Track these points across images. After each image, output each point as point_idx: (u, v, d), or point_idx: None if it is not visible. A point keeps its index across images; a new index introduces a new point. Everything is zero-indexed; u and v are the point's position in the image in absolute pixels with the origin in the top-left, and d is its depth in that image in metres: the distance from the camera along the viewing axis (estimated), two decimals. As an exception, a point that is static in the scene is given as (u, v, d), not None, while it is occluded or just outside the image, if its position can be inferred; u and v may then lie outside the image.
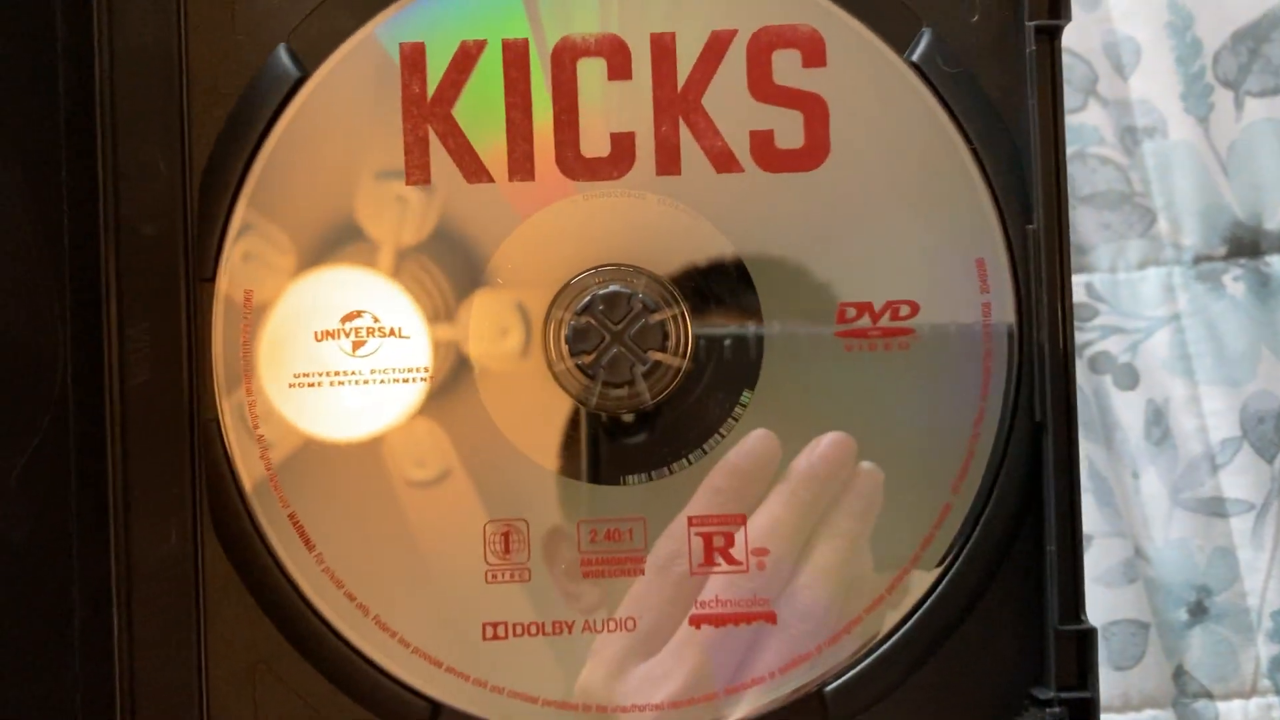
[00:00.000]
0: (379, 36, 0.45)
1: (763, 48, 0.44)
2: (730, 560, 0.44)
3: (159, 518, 0.43)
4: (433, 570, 0.44)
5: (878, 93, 0.45)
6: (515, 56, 0.44)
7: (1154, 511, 0.59)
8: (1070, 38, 0.59)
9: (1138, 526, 0.59)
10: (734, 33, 0.44)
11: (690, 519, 0.44)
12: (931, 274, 0.45)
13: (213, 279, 0.44)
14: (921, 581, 0.45)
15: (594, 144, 0.44)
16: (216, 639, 0.44)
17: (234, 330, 0.44)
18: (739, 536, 0.44)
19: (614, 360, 0.44)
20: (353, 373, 0.44)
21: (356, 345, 0.44)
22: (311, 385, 0.44)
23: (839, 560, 0.45)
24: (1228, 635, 0.59)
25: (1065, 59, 0.59)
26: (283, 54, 0.44)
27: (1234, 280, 0.60)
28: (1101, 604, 0.58)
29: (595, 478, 0.45)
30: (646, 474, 0.44)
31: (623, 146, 0.44)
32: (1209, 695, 0.59)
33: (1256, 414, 0.59)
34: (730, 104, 0.44)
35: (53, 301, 0.42)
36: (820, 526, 0.45)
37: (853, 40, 0.45)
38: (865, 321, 0.44)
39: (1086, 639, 0.43)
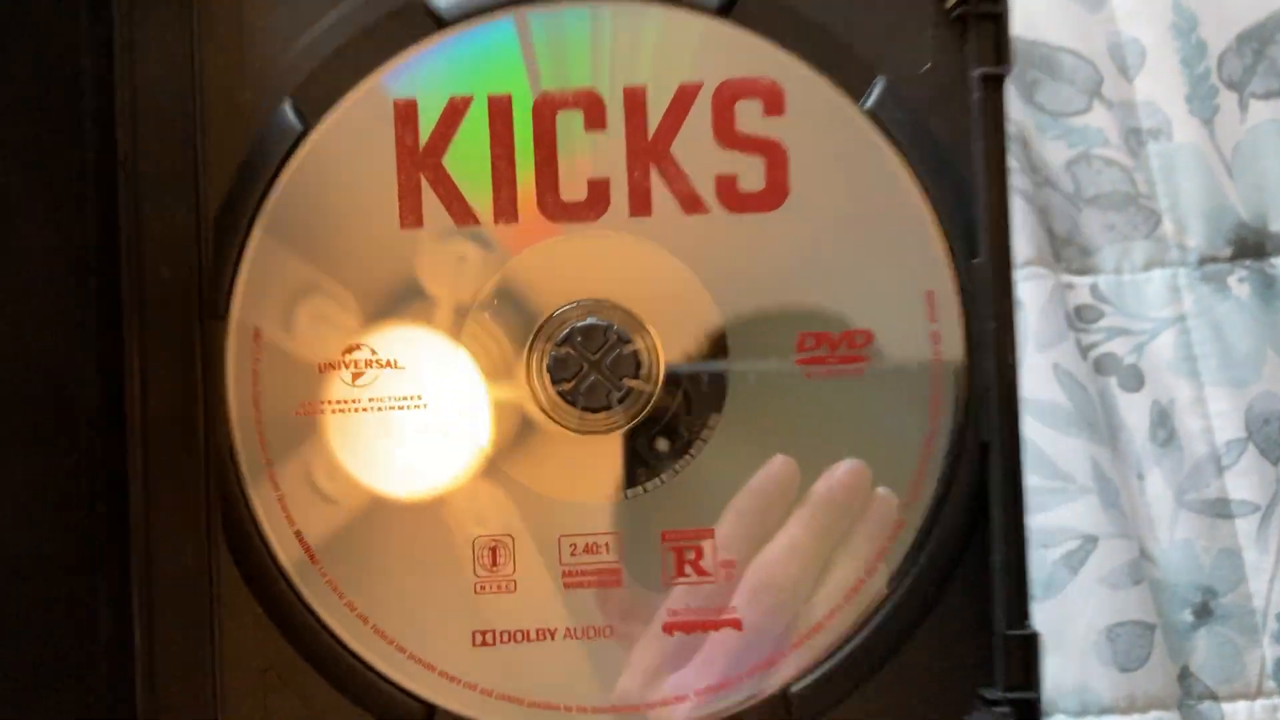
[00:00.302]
0: (379, 90, 0.46)
1: (726, 99, 0.46)
2: (700, 571, 0.45)
3: (176, 538, 0.44)
4: (427, 583, 0.45)
5: (834, 139, 0.46)
6: (499, 110, 0.46)
7: (1159, 513, 0.59)
8: (1075, 39, 0.59)
9: (1143, 528, 0.59)
10: (700, 85, 0.46)
11: (664, 534, 0.46)
12: (884, 305, 0.45)
13: (224, 317, 0.45)
14: (879, 590, 0.46)
15: (572, 189, 0.46)
16: (230, 648, 0.45)
17: (244, 364, 0.45)
18: (708, 548, 0.45)
19: (592, 387, 0.46)
20: (352, 401, 0.45)
21: (356, 376, 0.46)
22: (316, 413, 0.45)
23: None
24: (1233, 637, 0.59)
25: (1070, 60, 0.59)
26: (287, 109, 0.46)
27: (1239, 282, 0.60)
28: (1107, 605, 0.58)
29: (575, 495, 0.46)
30: (622, 492, 0.46)
31: (598, 191, 0.46)
32: (1214, 697, 0.58)
33: (1262, 415, 0.59)
34: (697, 151, 0.46)
35: (80, 339, 0.43)
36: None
37: (811, 90, 0.46)
38: (823, 350, 0.45)
39: (1031, 643, 0.44)
